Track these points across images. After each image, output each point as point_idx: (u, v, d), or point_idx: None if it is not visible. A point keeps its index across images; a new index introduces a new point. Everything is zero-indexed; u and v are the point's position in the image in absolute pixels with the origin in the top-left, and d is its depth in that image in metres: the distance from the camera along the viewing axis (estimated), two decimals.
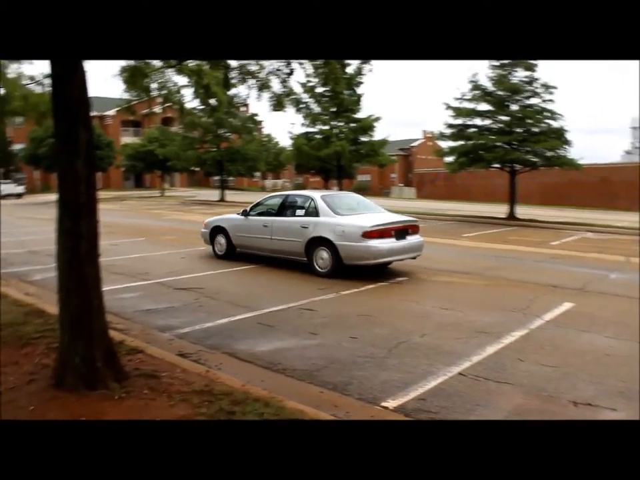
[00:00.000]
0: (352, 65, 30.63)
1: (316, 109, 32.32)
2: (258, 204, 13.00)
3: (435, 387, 5.50)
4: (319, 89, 31.47)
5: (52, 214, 5.27)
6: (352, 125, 32.31)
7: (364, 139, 32.58)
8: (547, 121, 25.14)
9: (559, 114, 25.27)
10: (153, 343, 6.49)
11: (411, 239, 11.46)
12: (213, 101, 11.79)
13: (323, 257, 11.18)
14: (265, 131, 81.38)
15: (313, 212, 11.59)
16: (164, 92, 8.99)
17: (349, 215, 11.40)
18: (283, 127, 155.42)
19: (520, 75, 25.52)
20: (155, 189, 60.22)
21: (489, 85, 25.82)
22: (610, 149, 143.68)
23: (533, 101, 25.52)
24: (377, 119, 32.47)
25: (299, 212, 11.91)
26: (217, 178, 55.87)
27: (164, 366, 5.51)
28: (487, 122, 25.90)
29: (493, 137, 25.01)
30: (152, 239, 17.36)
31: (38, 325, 6.83)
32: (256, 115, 41.67)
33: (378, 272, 11.48)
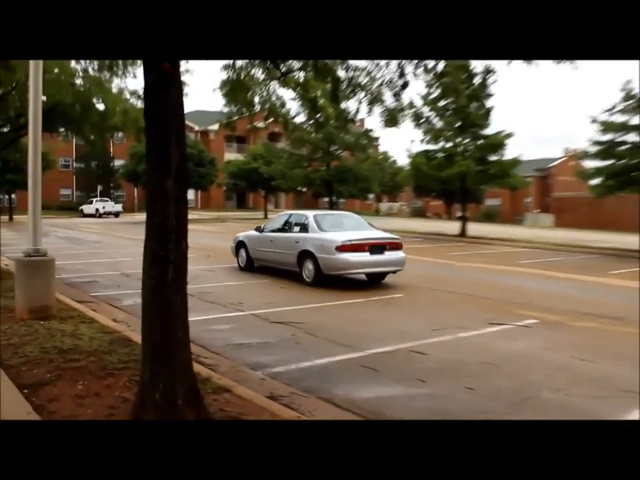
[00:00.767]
0: (478, 74, 30.10)
1: (438, 123, 32.11)
2: (271, 221, 16.56)
3: None
4: (442, 102, 31.24)
5: None
6: (479, 142, 31.78)
7: (493, 157, 31.92)
8: None
9: None
10: (242, 381, 6.57)
11: (389, 255, 14.36)
12: (320, 116, 12.03)
13: (309, 267, 14.24)
14: (381, 148, 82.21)
15: (305, 229, 14.74)
16: (267, 106, 9.26)
17: (332, 232, 14.38)
18: (401, 144, 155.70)
19: None
20: (258, 210, 61.98)
21: None
22: None
23: None
24: (509, 136, 31.78)
25: (295, 228, 15.09)
26: (326, 199, 56.75)
27: (251, 409, 5.55)
28: None
29: None
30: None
31: (123, 354, 7.14)
32: (371, 130, 41.80)
33: (496, 308, 11.09)
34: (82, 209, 61.06)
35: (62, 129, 17.93)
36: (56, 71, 13.96)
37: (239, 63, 7.81)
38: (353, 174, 40.63)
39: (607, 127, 24.88)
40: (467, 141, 32.00)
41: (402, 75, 7.01)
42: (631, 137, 24.79)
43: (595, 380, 7.32)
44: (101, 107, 15.48)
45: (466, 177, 31.37)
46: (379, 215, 68.19)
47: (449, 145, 32.06)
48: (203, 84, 22.85)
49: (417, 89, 38.15)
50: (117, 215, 58.57)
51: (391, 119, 7.79)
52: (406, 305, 11.92)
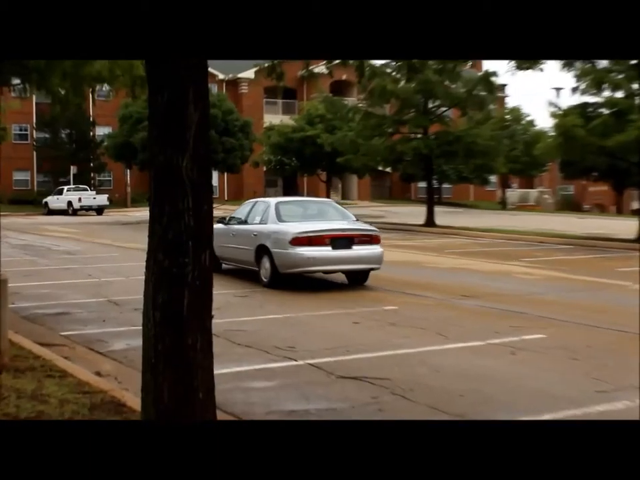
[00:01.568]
0: None
1: (602, 63, 31.66)
2: (237, 210, 19.95)
3: None
4: None
5: (145, 240, 5.63)
6: None
7: None
8: None
9: None
10: None
11: (359, 249, 16.97)
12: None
13: (265, 266, 16.85)
14: (510, 102, 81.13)
15: (265, 219, 17.56)
16: None
17: (292, 222, 17.13)
18: (541, 96, 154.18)
19: None
20: None
21: None
22: None
23: None
24: None
25: (256, 219, 18.01)
26: (422, 185, 56.42)
27: None
28: None
29: None
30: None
31: None
32: (493, 74, 40.42)
33: None
34: (46, 202, 62.22)
35: (16, 80, 18.33)
36: None
37: None
38: (464, 144, 39.57)
39: None
40: None
41: None
42: None
43: None
44: None
45: None
46: (505, 209, 67.41)
47: (620, 94, 31.52)
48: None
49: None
50: (99, 211, 59.52)
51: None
52: (544, 348, 11.79)
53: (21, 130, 69.46)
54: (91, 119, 68.21)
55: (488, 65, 56.42)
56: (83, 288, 17.75)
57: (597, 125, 31.43)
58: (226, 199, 66.90)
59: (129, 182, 67.07)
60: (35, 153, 71.21)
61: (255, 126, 55.11)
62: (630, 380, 10.01)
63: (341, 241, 16.66)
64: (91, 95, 35.32)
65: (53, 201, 61.20)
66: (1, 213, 47.85)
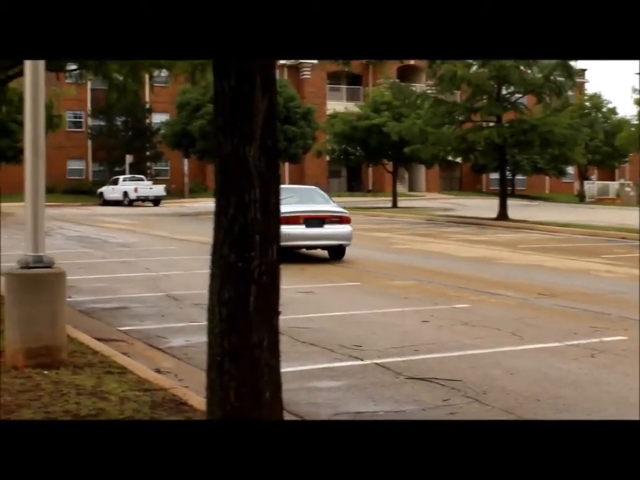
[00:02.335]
0: None
1: None
2: None
3: None
4: None
5: (208, 233, 5.71)
6: None
7: None
8: None
9: None
10: None
11: (330, 228, 21.94)
12: None
13: None
14: (589, 89, 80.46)
15: None
16: None
17: None
18: (625, 81, 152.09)
19: None
20: (382, 194, 62.05)
21: None
22: None
23: None
24: None
25: None
26: (494, 176, 56.19)
27: None
28: None
29: None
30: (372, 283, 18.07)
31: None
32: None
33: None
34: (101, 193, 63.02)
35: (73, 66, 18.41)
36: None
37: None
38: (540, 133, 39.32)
39: None
40: None
41: None
42: None
43: None
44: None
45: None
46: (583, 202, 66.77)
47: None
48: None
49: None
50: (156, 201, 59.91)
51: None
52: (626, 350, 11.65)
53: (75, 117, 70.11)
54: (147, 106, 68.53)
55: None
56: (140, 282, 17.98)
57: None
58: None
59: (186, 171, 67.58)
60: (89, 142, 71.93)
61: (317, 113, 55.23)
62: None
63: (313, 220, 21.75)
64: (148, 81, 35.53)
65: (108, 191, 61.92)
66: (55, 204, 48.81)
